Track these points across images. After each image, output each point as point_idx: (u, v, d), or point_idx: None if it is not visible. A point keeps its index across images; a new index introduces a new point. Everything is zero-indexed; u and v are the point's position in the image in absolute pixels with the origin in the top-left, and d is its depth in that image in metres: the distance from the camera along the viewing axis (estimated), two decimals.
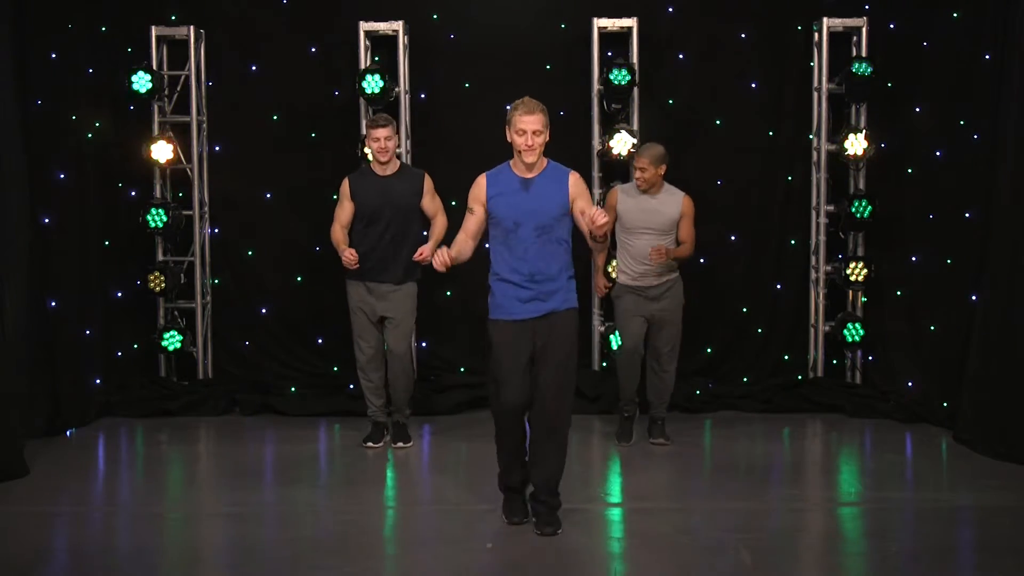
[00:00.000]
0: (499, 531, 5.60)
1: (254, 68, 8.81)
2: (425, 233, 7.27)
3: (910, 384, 8.20)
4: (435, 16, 8.77)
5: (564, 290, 5.48)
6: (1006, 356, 6.90)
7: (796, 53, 8.72)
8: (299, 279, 8.87)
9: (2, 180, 6.96)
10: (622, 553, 5.41)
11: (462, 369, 8.75)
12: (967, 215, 7.62)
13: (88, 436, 7.75)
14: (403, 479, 6.81)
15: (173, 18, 8.73)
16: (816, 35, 8.60)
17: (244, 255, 8.90)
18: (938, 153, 8.02)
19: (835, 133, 8.62)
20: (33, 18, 7.41)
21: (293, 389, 8.61)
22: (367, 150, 8.18)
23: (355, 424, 7.76)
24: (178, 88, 8.76)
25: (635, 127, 8.43)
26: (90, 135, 8.17)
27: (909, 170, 8.33)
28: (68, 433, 7.71)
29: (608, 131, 8.47)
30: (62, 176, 7.77)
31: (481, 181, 5.54)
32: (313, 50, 8.78)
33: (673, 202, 7.13)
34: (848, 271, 8.42)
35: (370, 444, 7.30)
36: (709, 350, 8.79)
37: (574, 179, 5.50)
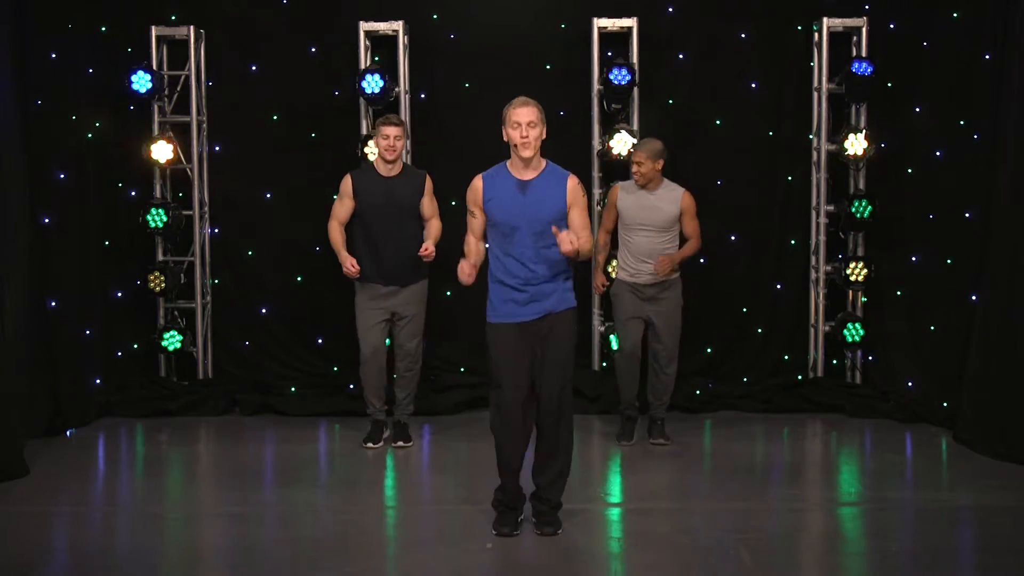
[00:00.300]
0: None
1: (254, 68, 8.81)
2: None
3: (910, 384, 8.20)
4: (435, 16, 8.77)
5: (561, 291, 5.46)
6: (1006, 356, 6.91)
7: (796, 53, 8.72)
8: (299, 279, 8.87)
9: (2, 180, 6.97)
10: (622, 553, 5.41)
11: (462, 369, 8.75)
12: (967, 215, 7.62)
13: (88, 436, 7.75)
14: (403, 479, 6.81)
15: (173, 18, 8.72)
16: (816, 35, 8.60)
17: (244, 255, 8.90)
18: (938, 153, 8.01)
19: (835, 133, 8.62)
20: (33, 18, 7.41)
21: (293, 389, 8.61)
22: (367, 150, 8.24)
23: (355, 424, 7.76)
24: (178, 88, 8.76)
25: (635, 127, 8.43)
26: (90, 135, 8.17)
27: (909, 170, 8.33)
28: (68, 433, 7.70)
29: (608, 131, 8.47)
30: (62, 176, 7.77)
31: (477, 184, 5.49)
32: (313, 50, 8.78)
33: (672, 198, 7.14)
34: (848, 271, 8.42)
35: (370, 444, 7.30)
36: (709, 350, 8.79)
37: (572, 184, 5.44)
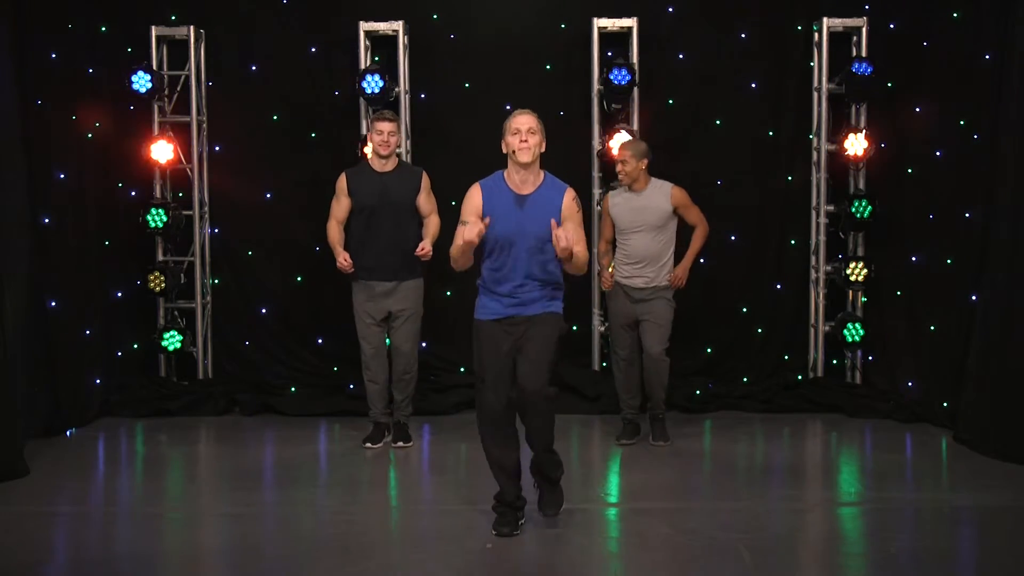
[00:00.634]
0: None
1: (254, 68, 8.81)
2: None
3: (910, 384, 8.20)
4: (435, 16, 8.77)
5: (547, 298, 5.45)
6: (1006, 356, 6.90)
7: (796, 53, 8.72)
8: (299, 279, 8.87)
9: (2, 180, 6.97)
10: (622, 553, 5.41)
11: (462, 369, 8.75)
12: (967, 215, 7.61)
13: (88, 436, 7.75)
14: (403, 479, 6.81)
15: (173, 18, 8.73)
16: (816, 35, 8.60)
17: (244, 255, 8.91)
18: (938, 153, 8.01)
19: (835, 133, 8.63)
20: (33, 18, 7.41)
21: (293, 389, 8.62)
22: (367, 149, 8.23)
23: (355, 424, 7.76)
24: (178, 88, 8.76)
25: (635, 127, 8.43)
26: (90, 135, 8.17)
27: (909, 170, 8.32)
28: (68, 433, 7.71)
29: (608, 131, 8.47)
30: (62, 176, 7.77)
31: (475, 195, 5.44)
32: (313, 50, 8.78)
33: (661, 195, 7.16)
34: (848, 271, 8.42)
35: (369, 445, 7.30)
36: (709, 350, 8.79)
37: (567, 200, 5.41)
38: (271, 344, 8.92)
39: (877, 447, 7.47)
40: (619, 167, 7.17)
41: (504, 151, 5.41)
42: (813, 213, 8.74)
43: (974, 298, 7.31)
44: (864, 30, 8.50)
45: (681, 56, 8.75)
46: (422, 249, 7.03)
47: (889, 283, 8.51)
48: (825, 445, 7.71)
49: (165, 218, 8.46)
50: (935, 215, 8.03)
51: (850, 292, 8.70)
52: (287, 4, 8.79)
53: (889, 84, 8.48)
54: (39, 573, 5.16)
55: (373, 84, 8.23)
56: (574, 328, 8.19)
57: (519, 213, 5.38)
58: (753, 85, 8.76)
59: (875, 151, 8.49)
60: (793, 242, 8.82)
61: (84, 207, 8.05)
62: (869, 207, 8.35)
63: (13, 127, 7.09)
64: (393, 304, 7.15)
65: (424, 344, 8.66)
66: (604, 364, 8.70)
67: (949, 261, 7.81)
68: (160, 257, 8.81)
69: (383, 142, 7.05)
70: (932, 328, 7.94)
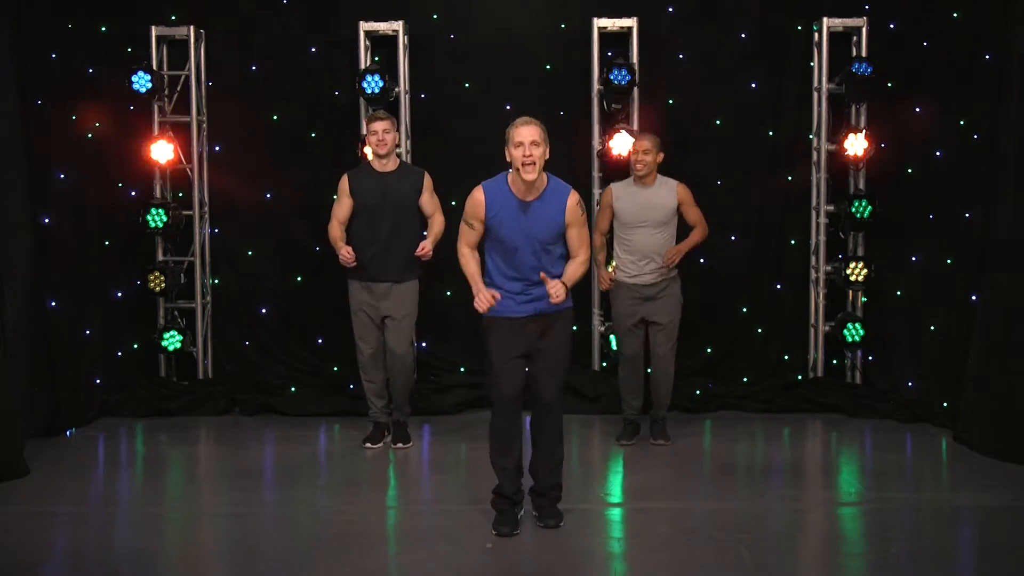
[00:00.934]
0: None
1: (254, 68, 8.81)
2: (423, 233, 7.26)
3: (910, 384, 8.20)
4: (435, 16, 8.77)
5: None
6: (1006, 356, 6.90)
7: (796, 53, 8.72)
8: (299, 279, 8.87)
9: (2, 180, 6.97)
10: (622, 553, 5.41)
11: (462, 369, 8.75)
12: (967, 215, 7.61)
13: (88, 436, 7.74)
14: (403, 479, 6.81)
15: (173, 18, 8.73)
16: (816, 35, 8.60)
17: (244, 255, 8.91)
18: (938, 153, 8.01)
19: (835, 133, 8.63)
20: (33, 18, 7.41)
21: (293, 389, 8.62)
22: (366, 149, 8.24)
23: (355, 424, 7.76)
24: (178, 88, 8.77)
25: (635, 127, 8.43)
26: (90, 135, 8.17)
27: (909, 170, 8.32)
28: (68, 433, 7.71)
29: (608, 131, 8.47)
30: (62, 176, 7.77)
31: (479, 198, 5.44)
32: (313, 50, 8.78)
33: (668, 191, 7.15)
34: (848, 271, 8.42)
35: (369, 444, 7.30)
36: (709, 350, 8.79)
37: (571, 203, 5.43)
38: (271, 344, 8.92)
39: (877, 447, 7.46)
40: (639, 156, 7.09)
41: (508, 159, 5.40)
42: (813, 213, 8.74)
43: (974, 298, 7.31)
44: (864, 30, 8.50)
45: (681, 56, 8.75)
46: (422, 249, 7.02)
47: (889, 283, 8.51)
48: (825, 445, 7.71)
49: (165, 218, 8.46)
50: (935, 215, 8.03)
51: (850, 292, 8.70)
52: (287, 4, 8.79)
53: (889, 84, 8.48)
54: (39, 573, 5.16)
55: (373, 84, 8.23)
56: (574, 328, 8.19)
57: (524, 219, 5.40)
58: (753, 85, 8.76)
59: (875, 151, 8.49)
60: (793, 242, 8.82)
61: (84, 207, 8.05)
62: (869, 207, 8.35)
63: (13, 127, 7.09)
64: (390, 305, 7.14)
65: (424, 344, 8.69)
66: (604, 364, 8.70)
67: (949, 261, 7.81)
68: (160, 257, 8.81)
69: (379, 141, 7.05)
70: (932, 328, 7.94)
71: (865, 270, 8.42)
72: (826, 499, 6.42)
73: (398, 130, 7.39)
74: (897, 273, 8.43)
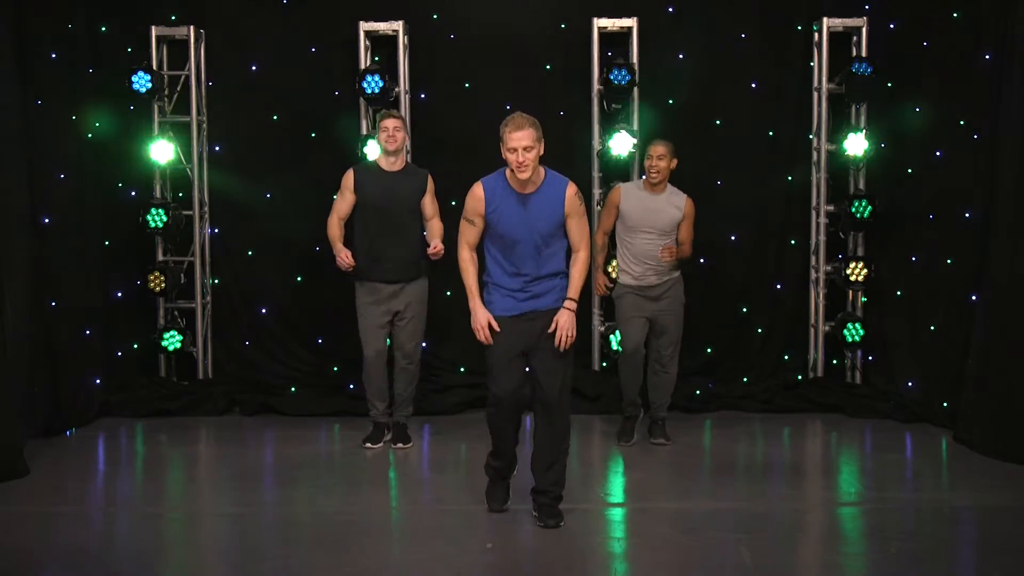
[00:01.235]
0: (499, 531, 5.61)
1: (254, 68, 8.81)
2: (424, 234, 7.26)
3: (910, 384, 8.20)
4: (435, 16, 8.77)
5: (559, 288, 5.57)
6: (1006, 356, 6.90)
7: (796, 53, 8.72)
8: (299, 279, 8.87)
9: (2, 180, 6.97)
10: (622, 553, 5.41)
11: (462, 369, 8.75)
12: (967, 215, 7.62)
13: (88, 436, 7.74)
14: (403, 479, 6.81)
15: (173, 18, 8.73)
16: (816, 35, 8.60)
17: (244, 255, 8.91)
18: (938, 153, 8.01)
19: (835, 133, 8.63)
20: (33, 18, 7.41)
21: (293, 389, 8.62)
22: (367, 150, 8.24)
23: (355, 424, 7.76)
24: (178, 88, 8.77)
25: (635, 127, 8.43)
26: (90, 135, 8.17)
27: (909, 170, 8.33)
28: (68, 433, 7.71)
29: (608, 131, 8.47)
30: (62, 176, 7.77)
31: (479, 193, 5.51)
32: (313, 50, 8.78)
33: (677, 203, 7.15)
34: (848, 271, 8.42)
35: (369, 445, 7.30)
36: (709, 350, 8.79)
37: (570, 194, 5.50)
38: (271, 344, 8.92)
39: (877, 447, 7.46)
40: (653, 162, 7.07)
41: (503, 156, 5.44)
42: (813, 213, 8.74)
43: (974, 298, 7.31)
44: (864, 30, 8.50)
45: (681, 56, 8.75)
46: (435, 248, 7.03)
47: (889, 283, 8.51)
48: (825, 445, 7.71)
49: (165, 218, 8.46)
50: (935, 215, 8.03)
51: (850, 292, 8.70)
52: (287, 4, 8.80)
53: (889, 84, 8.48)
54: (39, 573, 5.16)
55: (373, 84, 8.23)
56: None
57: (523, 213, 5.45)
58: (753, 85, 8.76)
59: (875, 151, 8.49)
60: (793, 242, 8.82)
61: (84, 207, 8.04)
62: (869, 207, 8.35)
63: (13, 127, 7.09)
64: (399, 304, 7.15)
65: (424, 344, 8.67)
66: (604, 364, 8.70)
67: (949, 261, 7.81)
68: (160, 257, 8.81)
69: (389, 137, 7.06)
70: (932, 328, 7.94)
71: (865, 270, 8.42)
72: (826, 499, 6.42)
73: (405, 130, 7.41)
74: (897, 273, 8.43)
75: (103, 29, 8.45)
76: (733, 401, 8.44)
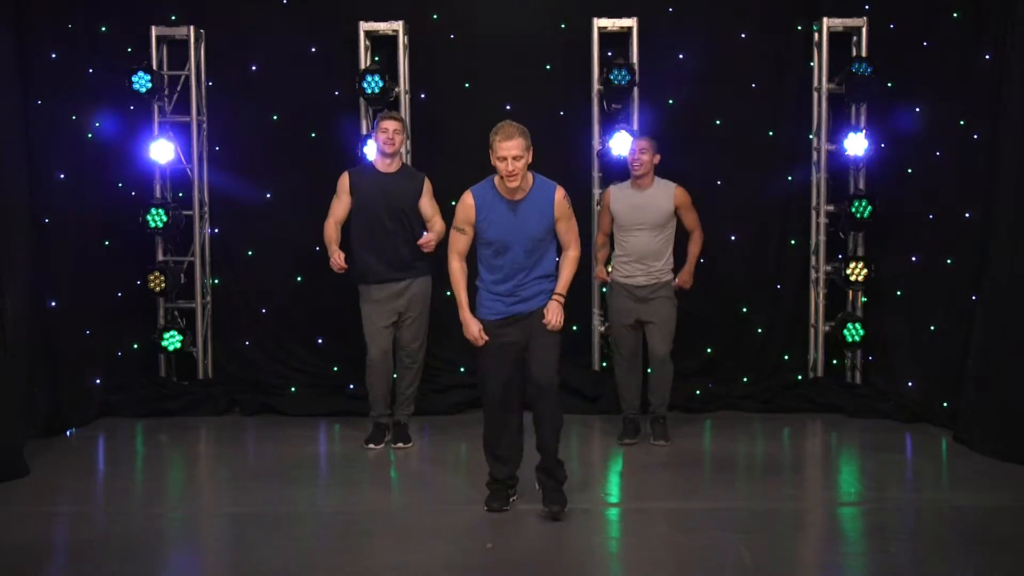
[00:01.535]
0: (499, 530, 5.61)
1: (254, 68, 8.81)
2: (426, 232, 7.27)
3: (910, 384, 8.19)
4: (435, 16, 8.77)
5: (546, 293, 5.70)
6: (1006, 356, 6.90)
7: (796, 53, 8.72)
8: (299, 279, 8.87)
9: (2, 180, 6.97)
10: (622, 553, 5.41)
11: (462, 369, 8.74)
12: (967, 215, 7.61)
13: (88, 436, 7.75)
14: (403, 479, 6.81)
15: (173, 18, 8.73)
16: (816, 35, 8.60)
17: (244, 255, 8.91)
18: (938, 153, 8.01)
19: (835, 133, 8.63)
20: (33, 18, 7.41)
21: (293, 389, 8.62)
22: (367, 149, 8.24)
23: (355, 424, 7.76)
24: (178, 88, 8.77)
25: (635, 127, 8.43)
26: (90, 135, 8.17)
27: (909, 170, 8.32)
28: (68, 433, 7.71)
29: (608, 131, 8.47)
30: (62, 176, 7.77)
31: (469, 202, 5.64)
32: (313, 50, 8.78)
33: (665, 194, 7.17)
34: (848, 271, 8.41)
35: (371, 445, 7.30)
36: (709, 350, 8.78)
37: (558, 198, 5.63)
38: (271, 344, 8.92)
39: (877, 447, 7.46)
40: (636, 156, 7.15)
41: (492, 163, 5.56)
42: (813, 213, 8.74)
43: (974, 298, 7.31)
44: (864, 30, 8.50)
45: (681, 56, 8.75)
46: (426, 239, 7.04)
47: (889, 283, 8.50)
48: (825, 445, 7.71)
49: (165, 218, 8.46)
50: (935, 215, 8.03)
51: (850, 292, 8.70)
52: (287, 4, 8.79)
53: (889, 84, 8.48)
54: (39, 573, 5.16)
55: (373, 84, 8.23)
56: (574, 328, 8.21)
57: (513, 218, 5.58)
58: (753, 85, 8.75)
59: (875, 151, 8.49)
60: (793, 242, 8.82)
61: (84, 207, 8.04)
62: (869, 207, 8.35)
63: (13, 127, 7.09)
64: (403, 304, 7.17)
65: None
66: (604, 364, 8.70)
67: (949, 261, 7.81)
68: (160, 257, 8.81)
69: (388, 140, 7.07)
70: (932, 328, 7.94)
71: (865, 270, 8.41)
72: (826, 499, 6.42)
73: (405, 132, 7.42)
74: (897, 273, 8.43)
75: (103, 29, 8.45)
76: (733, 401, 8.44)
